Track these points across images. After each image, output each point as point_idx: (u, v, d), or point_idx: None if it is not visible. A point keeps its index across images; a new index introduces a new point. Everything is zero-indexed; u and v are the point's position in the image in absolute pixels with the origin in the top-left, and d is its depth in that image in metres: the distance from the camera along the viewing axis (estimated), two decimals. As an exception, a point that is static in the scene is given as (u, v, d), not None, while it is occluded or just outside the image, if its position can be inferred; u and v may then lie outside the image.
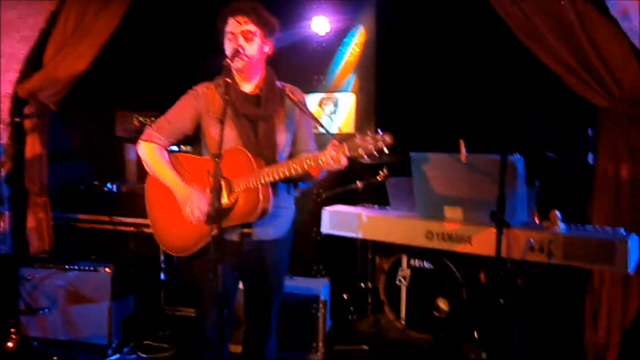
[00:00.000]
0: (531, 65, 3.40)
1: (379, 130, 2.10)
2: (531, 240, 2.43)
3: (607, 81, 3.12)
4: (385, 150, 2.07)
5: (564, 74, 3.22)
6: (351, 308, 4.03)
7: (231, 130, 2.33)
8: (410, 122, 4.35)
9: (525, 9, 3.21)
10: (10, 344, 3.52)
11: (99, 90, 4.36)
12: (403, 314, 3.68)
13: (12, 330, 3.52)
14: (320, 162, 2.14)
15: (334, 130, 4.61)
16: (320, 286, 3.55)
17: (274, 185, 2.30)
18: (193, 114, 2.38)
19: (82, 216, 4.08)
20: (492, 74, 3.89)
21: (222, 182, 2.25)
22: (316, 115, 4.70)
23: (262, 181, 2.21)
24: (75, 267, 3.53)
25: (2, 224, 3.91)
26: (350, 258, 3.90)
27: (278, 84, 2.43)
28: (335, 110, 4.68)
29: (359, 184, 3.70)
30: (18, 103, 3.82)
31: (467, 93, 4.09)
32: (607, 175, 3.17)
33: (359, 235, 3.06)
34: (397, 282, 3.68)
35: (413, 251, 3.51)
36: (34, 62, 3.77)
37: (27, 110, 3.79)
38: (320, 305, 3.47)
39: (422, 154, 2.73)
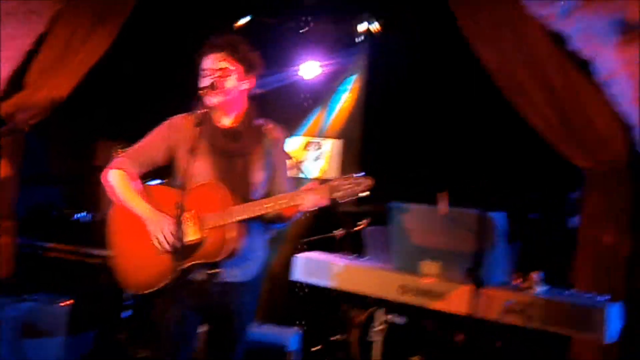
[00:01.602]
0: (520, 122, 3.40)
1: (361, 173, 2.06)
2: (509, 301, 2.33)
3: (590, 143, 3.11)
4: (366, 193, 2.02)
5: (546, 131, 3.21)
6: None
7: (205, 165, 2.24)
8: (396, 170, 4.31)
9: (509, 62, 3.23)
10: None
11: (81, 116, 4.29)
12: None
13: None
14: (296, 202, 2.08)
15: (315, 174, 4.55)
16: (289, 335, 3.39)
17: (245, 225, 2.21)
18: (166, 145, 2.29)
19: (49, 245, 3.93)
20: (479, 126, 3.89)
21: (193, 217, 2.16)
22: (299, 159, 4.73)
23: (234, 219, 2.11)
24: (31, 297, 3.34)
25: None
26: (325, 308, 3.76)
27: (259, 120, 2.36)
28: (320, 155, 4.63)
29: (337, 232, 3.61)
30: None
31: (454, 143, 4.08)
32: (589, 240, 3.11)
33: (331, 284, 2.94)
34: (370, 337, 3.53)
35: (389, 305, 3.38)
36: (15, 83, 3.70)
37: (2, 129, 3.68)
38: (287, 356, 3.31)
39: (401, 204, 2.65)
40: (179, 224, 1.96)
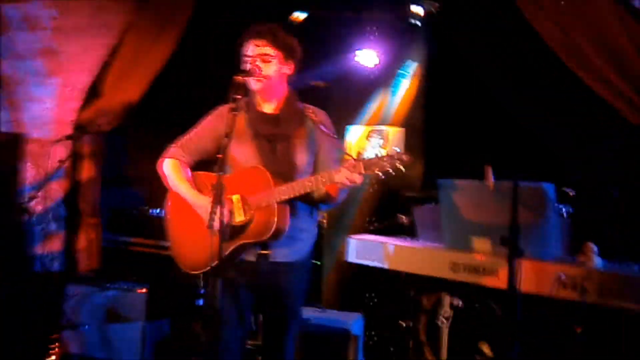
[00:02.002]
0: (587, 96, 3.21)
1: (397, 149, 2.07)
2: (562, 274, 2.21)
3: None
4: (403, 168, 2.04)
5: (608, 94, 2.99)
6: (391, 348, 3.85)
7: (250, 150, 2.35)
8: (459, 156, 4.23)
9: (572, 34, 3.04)
10: (52, 358, 3.66)
11: (156, 121, 4.59)
12: (444, 357, 3.47)
13: (55, 344, 3.66)
14: (335, 179, 2.12)
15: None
16: (351, 320, 3.42)
17: (292, 206, 2.28)
18: (214, 133, 2.42)
19: (131, 239, 4.24)
20: (543, 104, 3.71)
21: (239, 200, 2.27)
22: (363, 148, 4.75)
23: (277, 199, 2.20)
24: (114, 286, 3.64)
25: (56, 242, 4.14)
26: (388, 293, 3.75)
27: (300, 104, 2.43)
28: (383, 143, 4.62)
29: (403, 217, 3.60)
30: (79, 130, 4.09)
31: (517, 126, 3.92)
32: None
33: (384, 265, 2.94)
34: (439, 322, 3.48)
35: (455, 289, 3.32)
36: (93, 92, 4.04)
37: (84, 136, 4.04)
38: (350, 340, 3.34)
39: (449, 180, 2.60)
40: (222, 206, 2.05)
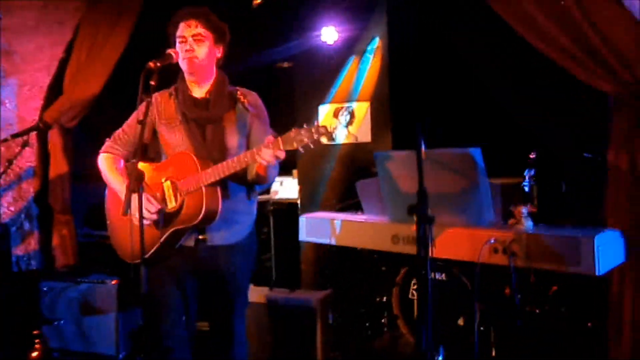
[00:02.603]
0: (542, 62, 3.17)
1: (315, 122, 2.08)
2: (491, 240, 2.20)
3: (613, 64, 2.81)
4: (323, 140, 2.04)
5: (563, 60, 2.95)
6: (367, 324, 3.87)
7: (180, 135, 2.37)
8: (428, 128, 4.20)
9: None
10: (34, 354, 3.74)
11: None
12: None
13: (36, 340, 3.74)
14: (256, 157, 2.13)
15: (350, 139, 4.54)
16: (318, 298, 3.45)
17: (225, 188, 2.30)
18: (147, 122, 2.43)
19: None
20: (502, 75, 3.68)
21: (169, 186, 2.29)
22: (332, 126, 4.72)
23: (205, 183, 2.22)
24: (86, 279, 3.70)
25: (32, 241, 4.21)
26: (356, 269, 3.77)
27: (230, 88, 2.43)
28: (351, 119, 4.60)
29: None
30: (44, 128, 4.12)
31: (481, 97, 3.89)
32: (620, 170, 2.84)
33: (332, 241, 2.94)
34: (410, 295, 3.49)
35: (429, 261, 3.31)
36: (54, 90, 4.06)
37: (50, 134, 4.07)
38: (317, 318, 3.38)
39: (384, 153, 2.59)
40: (138, 193, 2.06)
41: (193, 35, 2.31)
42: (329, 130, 2.07)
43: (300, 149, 2.07)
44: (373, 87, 4.48)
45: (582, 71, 2.91)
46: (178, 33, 2.34)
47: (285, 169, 5.12)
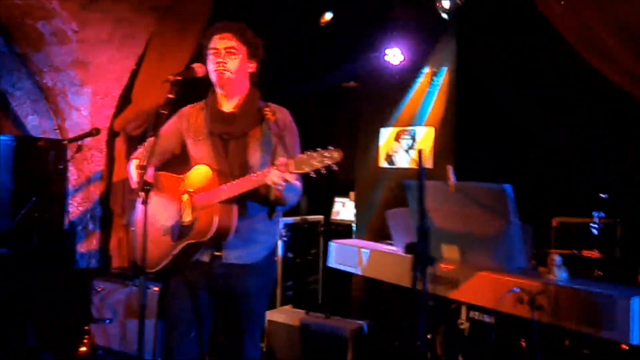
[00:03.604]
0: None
1: (330, 147, 1.99)
2: (515, 289, 1.95)
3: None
4: (334, 166, 1.95)
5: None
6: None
7: (205, 148, 2.36)
8: (491, 157, 3.95)
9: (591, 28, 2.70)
10: (83, 349, 3.91)
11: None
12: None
13: (85, 336, 3.92)
14: (266, 179, 2.07)
15: (411, 164, 4.35)
16: (352, 328, 3.30)
17: (243, 206, 2.26)
18: (176, 133, 2.45)
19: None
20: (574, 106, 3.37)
21: (187, 199, 2.28)
22: (393, 149, 4.56)
23: (220, 199, 2.18)
24: (131, 283, 3.81)
25: (94, 241, 4.43)
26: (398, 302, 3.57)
27: (260, 103, 2.39)
28: (413, 144, 4.41)
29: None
30: (113, 135, 4.36)
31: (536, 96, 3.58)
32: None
33: (357, 271, 2.79)
34: (456, 333, 3.25)
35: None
36: (125, 99, 4.28)
37: (117, 141, 4.29)
38: (349, 348, 3.23)
39: (413, 181, 2.40)
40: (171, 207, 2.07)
41: (226, 48, 2.30)
42: (339, 154, 1.96)
43: (312, 174, 1.98)
44: (438, 112, 4.27)
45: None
46: (211, 45, 2.33)
47: (344, 190, 5.05)
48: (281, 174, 2.02)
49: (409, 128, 4.41)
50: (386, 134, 4.52)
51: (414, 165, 4.37)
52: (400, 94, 4.41)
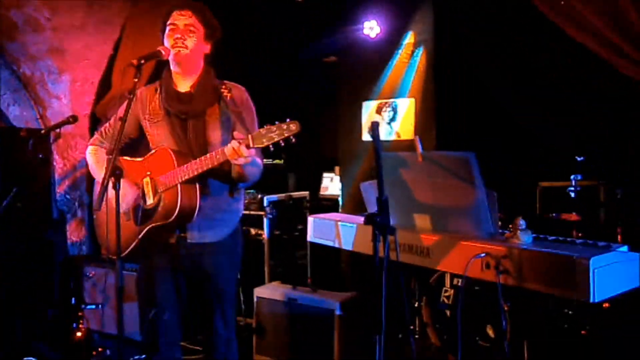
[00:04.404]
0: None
1: (287, 119, 2.00)
2: (481, 254, 1.98)
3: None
4: (292, 138, 1.97)
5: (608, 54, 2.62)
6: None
7: (163, 129, 2.35)
8: (472, 126, 3.97)
9: None
10: (79, 334, 3.98)
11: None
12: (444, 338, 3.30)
13: (80, 322, 3.98)
14: (226, 154, 2.08)
15: (391, 136, 4.37)
16: (337, 300, 3.35)
17: (205, 185, 2.27)
18: (132, 117, 2.40)
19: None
20: (549, 70, 3.37)
21: (148, 182, 2.29)
22: (376, 122, 4.55)
23: (180, 179, 2.19)
24: (129, 267, 3.85)
25: (83, 228, 4.47)
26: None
27: (216, 81, 2.38)
28: (395, 116, 4.42)
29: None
30: (95, 122, 4.37)
31: (529, 94, 3.59)
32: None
33: (335, 244, 2.83)
34: (441, 302, 3.31)
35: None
36: (104, 85, 4.27)
37: (99, 128, 4.29)
38: (335, 320, 3.29)
39: (385, 154, 2.42)
40: (103, 188, 2.05)
41: (185, 25, 2.28)
42: (297, 127, 1.98)
43: (271, 147, 2.00)
44: (418, 84, 4.27)
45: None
46: (170, 20, 2.32)
47: (331, 165, 5.07)
48: (238, 148, 2.03)
49: (390, 100, 4.42)
50: (368, 108, 4.53)
51: (396, 138, 4.39)
52: (380, 67, 4.40)
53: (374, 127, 1.70)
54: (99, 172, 2.45)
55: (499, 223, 2.22)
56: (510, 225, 2.04)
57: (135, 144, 2.51)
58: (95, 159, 2.49)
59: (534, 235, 2.08)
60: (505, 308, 2.55)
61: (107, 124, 2.54)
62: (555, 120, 3.38)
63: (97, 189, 2.55)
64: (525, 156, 3.85)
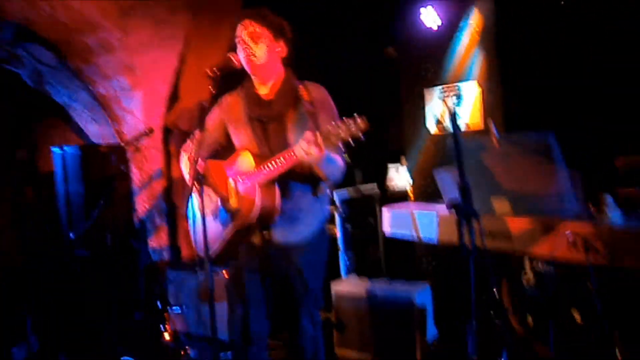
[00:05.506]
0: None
1: (355, 115, 2.00)
2: (569, 233, 1.92)
3: None
4: (361, 136, 1.97)
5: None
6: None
7: (245, 133, 2.43)
8: (541, 107, 3.83)
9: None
10: (167, 337, 4.18)
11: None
12: (529, 323, 3.23)
13: (167, 324, 4.18)
14: (297, 154, 2.11)
15: (462, 126, 4.28)
16: (416, 291, 3.35)
17: (285, 186, 2.31)
18: (219, 123, 2.53)
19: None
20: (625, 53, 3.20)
21: (231, 184, 2.38)
22: (441, 111, 4.50)
23: (259, 181, 2.25)
24: (202, 270, 4.02)
25: (163, 235, 4.68)
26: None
27: (296, 84, 2.41)
28: (459, 102, 4.34)
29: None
30: (167, 133, 4.57)
31: (602, 74, 3.42)
32: None
33: (413, 235, 2.82)
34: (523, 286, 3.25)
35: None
36: (173, 97, 4.46)
37: (170, 138, 4.49)
38: (415, 312, 3.29)
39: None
40: (207, 194, 2.17)
41: (249, 34, 2.33)
42: (365, 124, 1.95)
43: (341, 146, 2.01)
44: (482, 67, 4.17)
45: None
46: (237, 34, 2.37)
47: (395, 156, 5.03)
48: (307, 147, 2.03)
49: (454, 85, 4.34)
50: (431, 95, 4.47)
51: (465, 129, 4.30)
52: (441, 53, 4.34)
53: (453, 112, 1.69)
54: (187, 176, 2.57)
55: (584, 201, 2.15)
56: (594, 203, 1.97)
57: (223, 149, 2.61)
58: (186, 165, 2.60)
59: (621, 210, 2.00)
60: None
61: (196, 132, 2.65)
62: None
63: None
64: (600, 132, 3.69)
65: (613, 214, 1.93)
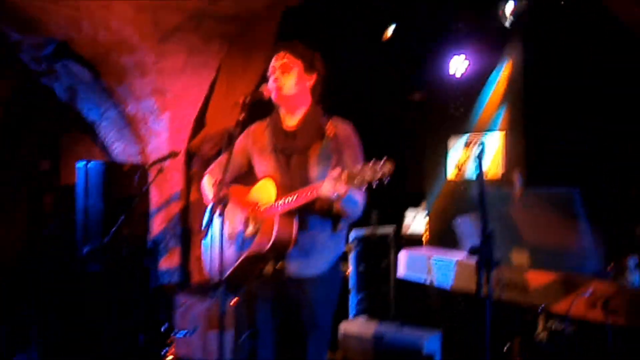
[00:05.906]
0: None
1: (382, 159, 2.02)
2: (588, 292, 1.89)
3: None
4: (384, 179, 1.97)
5: None
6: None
7: (268, 163, 2.45)
8: (565, 162, 3.81)
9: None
10: (169, 358, 4.14)
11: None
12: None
13: (170, 348, 4.14)
14: (320, 191, 2.12)
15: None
16: (425, 338, 3.29)
17: (304, 219, 2.31)
18: (243, 151, 2.56)
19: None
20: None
21: (250, 212, 2.39)
22: (463, 157, 4.51)
23: (278, 211, 2.25)
24: (212, 296, 4.00)
25: (175, 257, 4.69)
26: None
27: (323, 117, 2.44)
28: (482, 151, 4.33)
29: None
30: (190, 157, 4.63)
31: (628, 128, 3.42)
32: None
33: (427, 280, 2.78)
34: (534, 344, 3.17)
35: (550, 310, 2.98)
36: (199, 123, 4.54)
37: (193, 162, 4.55)
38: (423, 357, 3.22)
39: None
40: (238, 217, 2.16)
41: (280, 66, 2.37)
42: (389, 168, 1.97)
43: (364, 187, 2.01)
44: (507, 117, 4.20)
45: None
46: (270, 64, 2.42)
47: (414, 201, 5.01)
48: (333, 186, 2.05)
49: (478, 134, 4.36)
50: (454, 143, 4.49)
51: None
52: (469, 101, 4.38)
53: (479, 159, 1.69)
54: (206, 198, 2.58)
55: (606, 260, 2.12)
56: (615, 263, 1.94)
57: (245, 175, 2.63)
58: (208, 188, 2.61)
59: (642, 274, 1.97)
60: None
61: (223, 156, 2.67)
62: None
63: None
64: (623, 192, 3.64)
65: (634, 277, 1.89)
